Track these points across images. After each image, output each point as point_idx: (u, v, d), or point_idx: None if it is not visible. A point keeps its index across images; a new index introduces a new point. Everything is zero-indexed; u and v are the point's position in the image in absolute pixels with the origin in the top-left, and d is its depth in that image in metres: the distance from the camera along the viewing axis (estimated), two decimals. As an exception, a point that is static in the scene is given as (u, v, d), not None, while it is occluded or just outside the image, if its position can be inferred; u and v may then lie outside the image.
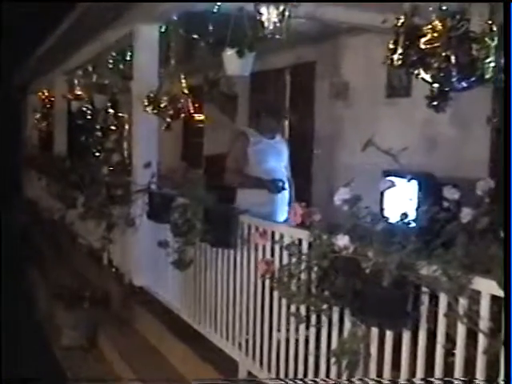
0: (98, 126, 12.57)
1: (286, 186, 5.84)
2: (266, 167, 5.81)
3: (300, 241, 3.75)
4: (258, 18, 4.37)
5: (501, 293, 2.68)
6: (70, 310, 6.73)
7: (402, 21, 3.14)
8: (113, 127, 12.43)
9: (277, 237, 4.13)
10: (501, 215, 2.84)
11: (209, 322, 5.26)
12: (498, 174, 5.30)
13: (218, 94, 9.70)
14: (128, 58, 8.61)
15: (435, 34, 2.79)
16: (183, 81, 6.76)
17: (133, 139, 7.24)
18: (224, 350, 4.95)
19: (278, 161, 5.93)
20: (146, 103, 6.38)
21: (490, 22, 2.82)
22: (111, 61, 9.33)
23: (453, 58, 2.55)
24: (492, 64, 2.59)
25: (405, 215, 3.23)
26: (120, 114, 12.48)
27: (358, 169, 6.52)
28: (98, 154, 11.68)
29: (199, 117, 11.12)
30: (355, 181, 3.64)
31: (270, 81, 9.69)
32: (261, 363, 4.41)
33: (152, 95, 6.38)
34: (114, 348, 6.16)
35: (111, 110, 12.35)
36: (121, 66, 9.16)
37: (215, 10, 5.87)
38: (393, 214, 3.57)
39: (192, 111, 7.11)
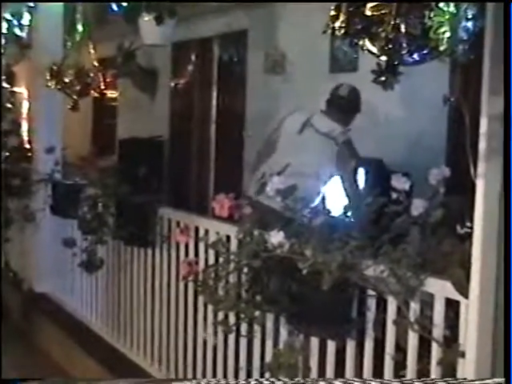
0: (-11, 104, 12.31)
1: None
2: None
3: (228, 238, 3.75)
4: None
5: (457, 296, 2.73)
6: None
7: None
8: (8, 105, 12.12)
9: (201, 233, 4.13)
10: (457, 208, 2.90)
11: (123, 333, 5.23)
12: (455, 161, 5.39)
13: (134, 68, 9.60)
14: (26, 23, 8.44)
15: (383, -1, 2.81)
16: (92, 51, 6.66)
17: (33, 120, 7.14)
18: (142, 366, 4.94)
19: None
20: (49, 77, 6.26)
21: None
22: (5, 25, 9.14)
23: (402, 27, 2.57)
24: (447, 34, 2.62)
25: (348, 208, 3.27)
26: (17, 90, 12.24)
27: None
28: (-10, 137, 11.44)
29: (112, 94, 11.00)
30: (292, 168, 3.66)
31: (195, 52, 9.67)
32: (184, 381, 4.41)
33: (55, 67, 6.25)
34: (10, 369, 6.05)
35: (6, 85, 12.10)
36: (17, 32, 8.98)
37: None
38: (334, 207, 3.61)
39: (103, 87, 7.01)
